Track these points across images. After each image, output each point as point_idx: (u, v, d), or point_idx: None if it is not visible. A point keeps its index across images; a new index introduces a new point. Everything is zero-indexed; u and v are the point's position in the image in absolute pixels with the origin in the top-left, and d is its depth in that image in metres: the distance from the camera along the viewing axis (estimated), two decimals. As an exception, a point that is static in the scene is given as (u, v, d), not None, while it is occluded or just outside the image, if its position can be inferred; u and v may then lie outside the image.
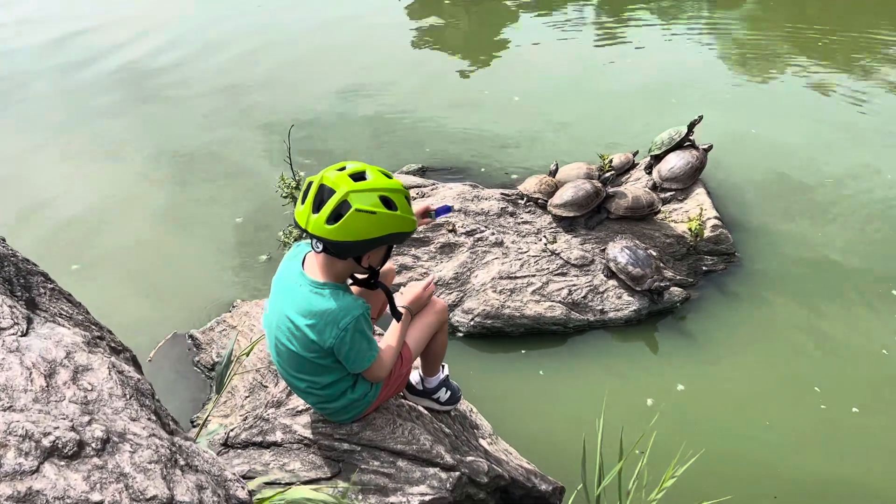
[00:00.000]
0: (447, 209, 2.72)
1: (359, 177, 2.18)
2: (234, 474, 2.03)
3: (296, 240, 4.46)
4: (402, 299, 2.54)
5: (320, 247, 2.19)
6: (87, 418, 1.79)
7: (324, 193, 2.14)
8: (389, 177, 2.26)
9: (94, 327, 2.68)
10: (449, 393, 2.95)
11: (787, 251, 4.58)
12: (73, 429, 1.72)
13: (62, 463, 1.63)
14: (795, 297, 4.24)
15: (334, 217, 2.12)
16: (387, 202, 2.17)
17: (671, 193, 4.65)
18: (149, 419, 1.95)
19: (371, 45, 7.20)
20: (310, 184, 2.19)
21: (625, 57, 7.25)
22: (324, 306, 2.23)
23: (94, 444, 1.70)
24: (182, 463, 1.80)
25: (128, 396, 1.98)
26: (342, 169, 2.20)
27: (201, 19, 7.65)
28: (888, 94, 6.58)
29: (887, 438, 3.45)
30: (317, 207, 2.14)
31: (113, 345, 2.66)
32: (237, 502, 1.91)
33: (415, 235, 4.23)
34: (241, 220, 4.84)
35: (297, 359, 2.35)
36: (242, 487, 1.97)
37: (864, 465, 3.33)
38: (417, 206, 2.61)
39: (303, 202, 2.18)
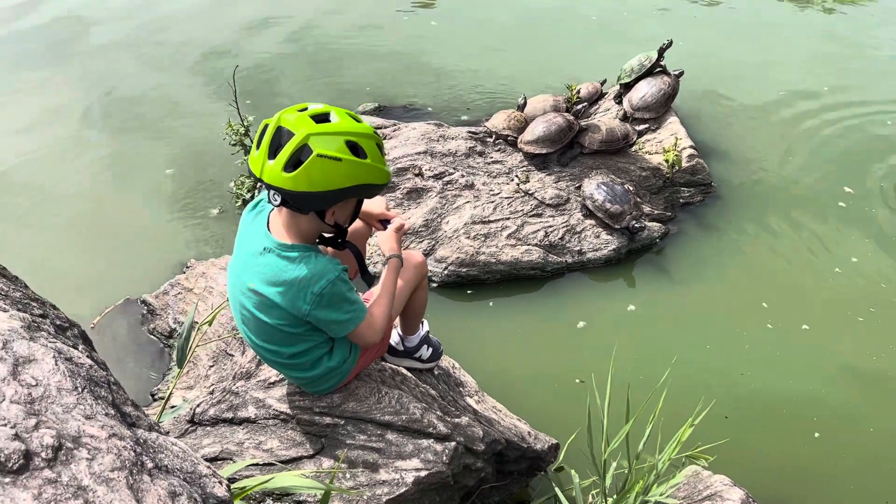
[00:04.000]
0: None
1: (322, 118, 1.90)
2: (208, 467, 1.80)
3: (248, 190, 4.14)
4: (383, 247, 2.28)
5: (278, 199, 1.90)
6: (33, 421, 1.53)
7: (281, 137, 1.85)
8: (358, 121, 1.97)
9: (34, 304, 2.38)
10: (430, 350, 2.74)
11: (756, 176, 4.53)
12: (16, 436, 1.47)
13: (7, 480, 1.38)
14: (764, 222, 4.19)
15: (293, 164, 1.84)
16: (354, 148, 1.88)
17: (645, 126, 4.44)
18: (106, 414, 1.69)
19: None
20: (265, 127, 1.89)
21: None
22: (294, 272, 1.96)
23: (43, 454, 1.45)
24: (150, 466, 1.57)
25: (79, 389, 1.72)
26: (303, 110, 1.91)
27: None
28: (844, 15, 6.46)
29: (836, 354, 3.45)
30: (273, 153, 1.85)
31: (58, 322, 2.36)
32: (215, 502, 1.69)
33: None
34: (173, 172, 4.46)
35: (267, 328, 2.10)
36: (220, 483, 1.75)
37: (812, 381, 3.32)
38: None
39: (257, 147, 1.89)
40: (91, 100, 5.16)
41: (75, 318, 2.55)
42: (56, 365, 1.73)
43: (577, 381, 3.22)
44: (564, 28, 6.06)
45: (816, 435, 3.07)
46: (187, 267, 3.70)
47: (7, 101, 5.16)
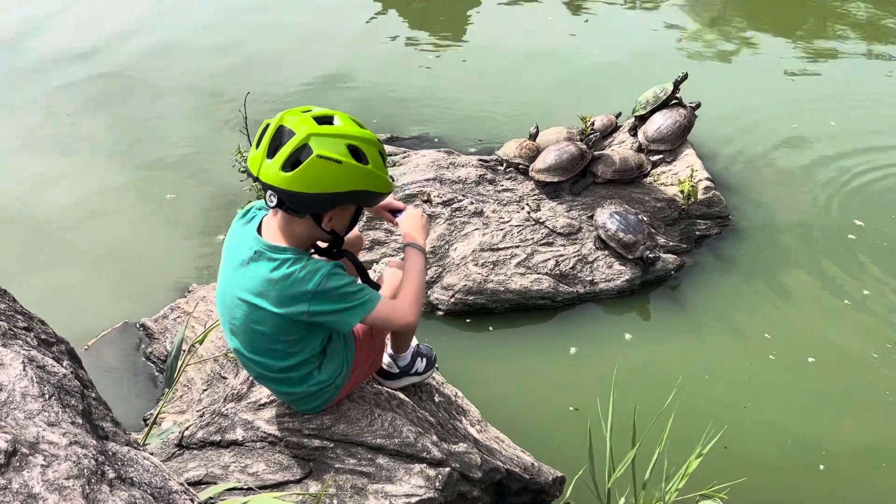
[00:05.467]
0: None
1: (325, 121, 1.85)
2: (181, 484, 1.68)
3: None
4: (413, 231, 2.18)
5: (274, 200, 1.84)
6: (-11, 426, 1.44)
7: (282, 136, 1.81)
8: (362, 127, 1.91)
9: (19, 317, 2.29)
10: (424, 360, 2.61)
11: (770, 208, 4.40)
12: (-32, 441, 1.37)
13: (-49, 485, 1.29)
14: (776, 253, 4.07)
15: (292, 163, 1.78)
16: (356, 152, 1.83)
17: (660, 157, 4.34)
18: (72, 423, 1.59)
19: (324, 26, 6.78)
20: (266, 126, 1.85)
21: (587, 27, 6.90)
22: (285, 273, 1.87)
23: (-5, 459, 1.35)
24: (112, 476, 1.46)
25: (46, 396, 1.62)
26: (307, 112, 1.86)
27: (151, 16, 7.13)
28: (868, 61, 6.40)
29: (844, 388, 3.31)
30: (272, 152, 1.80)
31: (44, 336, 2.28)
32: (185, 519, 1.57)
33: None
34: (180, 197, 4.44)
35: (257, 337, 1.99)
36: (191, 500, 1.63)
37: (815, 415, 3.19)
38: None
39: (257, 146, 1.84)
40: (101, 127, 5.18)
41: (73, 340, 2.48)
42: (24, 371, 1.64)
43: (571, 408, 3.13)
44: (575, 66, 6.03)
45: (821, 468, 2.94)
46: (188, 291, 3.62)
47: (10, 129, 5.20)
